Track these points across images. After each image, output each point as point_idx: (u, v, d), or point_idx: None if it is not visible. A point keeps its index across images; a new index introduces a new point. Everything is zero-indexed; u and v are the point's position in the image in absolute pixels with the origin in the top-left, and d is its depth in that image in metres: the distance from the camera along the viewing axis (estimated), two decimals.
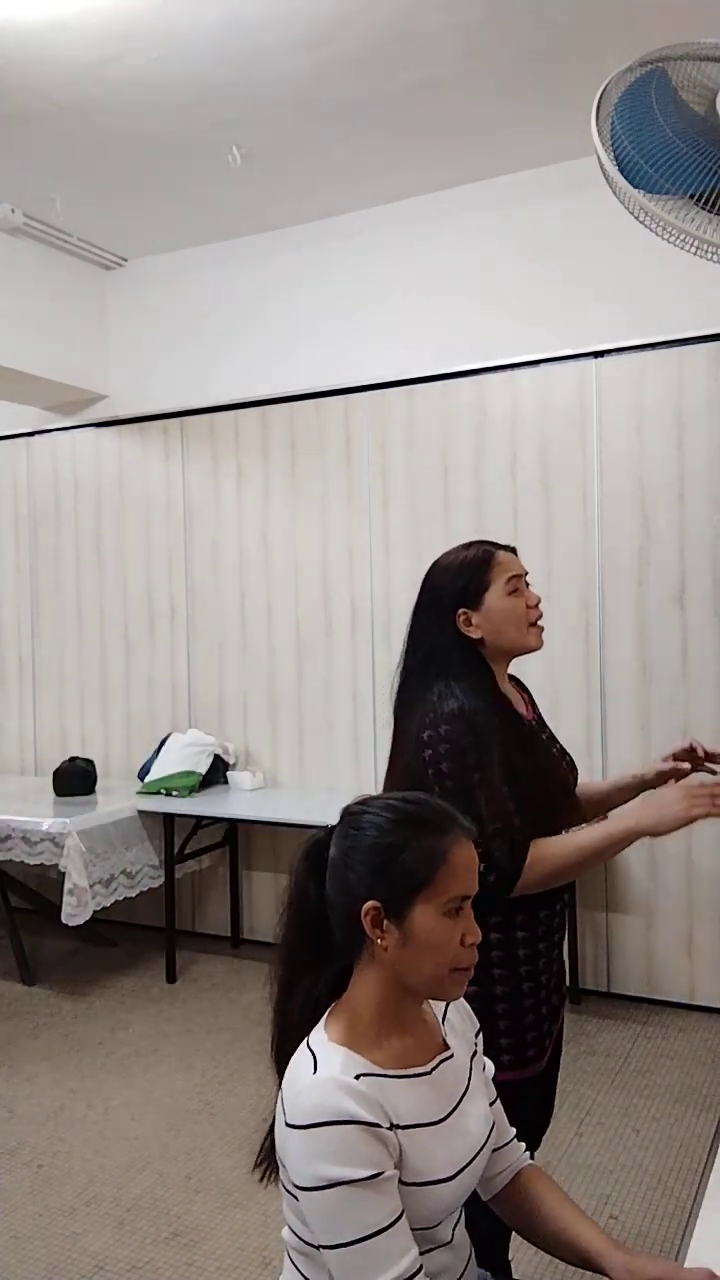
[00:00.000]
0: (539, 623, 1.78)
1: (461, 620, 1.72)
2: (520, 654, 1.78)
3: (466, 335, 3.94)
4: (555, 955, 1.77)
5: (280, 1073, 1.23)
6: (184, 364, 4.56)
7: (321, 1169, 1.09)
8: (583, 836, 1.60)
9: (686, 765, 1.78)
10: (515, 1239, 1.84)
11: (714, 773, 1.79)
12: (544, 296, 3.80)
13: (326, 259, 4.22)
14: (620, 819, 1.59)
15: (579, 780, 1.91)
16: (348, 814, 1.26)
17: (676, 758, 1.80)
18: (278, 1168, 1.20)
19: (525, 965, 1.70)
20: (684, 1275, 1.17)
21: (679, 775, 1.78)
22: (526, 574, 1.79)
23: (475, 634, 1.72)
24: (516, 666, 1.85)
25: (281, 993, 1.27)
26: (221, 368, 4.47)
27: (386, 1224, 1.10)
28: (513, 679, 1.91)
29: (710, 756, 1.78)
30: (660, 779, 1.80)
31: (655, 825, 1.55)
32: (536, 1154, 1.66)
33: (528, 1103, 1.71)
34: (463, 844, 1.22)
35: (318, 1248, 1.14)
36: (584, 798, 1.89)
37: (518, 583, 1.75)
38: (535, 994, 1.71)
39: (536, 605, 1.77)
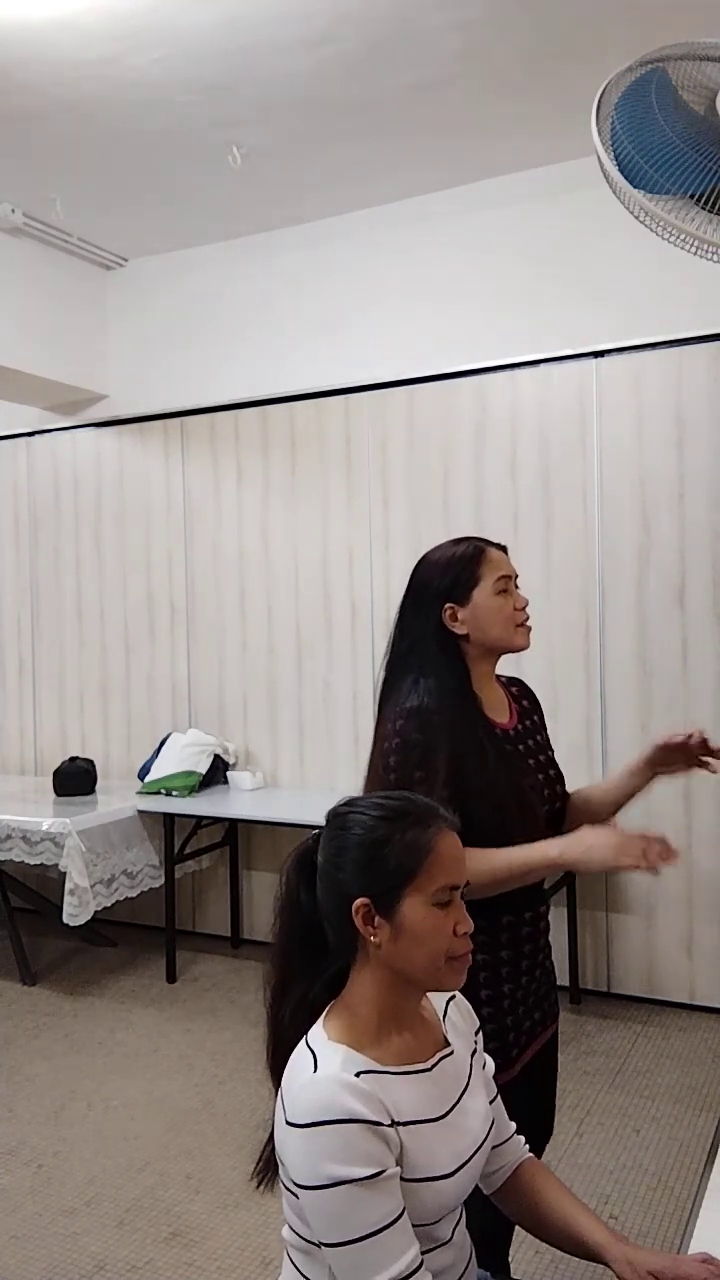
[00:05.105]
0: (527, 624, 1.75)
1: (448, 615, 1.70)
2: (505, 653, 1.75)
3: (466, 335, 3.94)
4: (525, 968, 1.69)
5: (275, 1078, 1.23)
6: (184, 364, 4.56)
7: (323, 1168, 1.09)
8: (505, 855, 1.54)
9: (680, 738, 1.69)
10: (514, 1240, 1.85)
11: (706, 766, 1.73)
12: (544, 296, 3.80)
13: (327, 259, 4.22)
14: (548, 844, 1.55)
15: (585, 789, 1.85)
16: (333, 816, 1.27)
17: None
18: (276, 1174, 1.20)
19: (484, 971, 1.64)
20: (682, 1263, 1.19)
21: (673, 749, 1.71)
22: (516, 575, 1.77)
23: (460, 629, 1.70)
24: (516, 668, 1.84)
25: (274, 999, 1.27)
26: (221, 368, 4.47)
27: (388, 1222, 1.10)
28: (513, 683, 1.87)
29: (705, 748, 1.69)
30: (658, 752, 1.72)
31: (578, 862, 1.51)
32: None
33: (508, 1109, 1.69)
34: (446, 834, 1.22)
35: (318, 1245, 1.14)
36: (595, 800, 1.81)
37: (507, 583, 1.73)
38: (495, 1003, 1.65)
39: (524, 607, 1.75)
